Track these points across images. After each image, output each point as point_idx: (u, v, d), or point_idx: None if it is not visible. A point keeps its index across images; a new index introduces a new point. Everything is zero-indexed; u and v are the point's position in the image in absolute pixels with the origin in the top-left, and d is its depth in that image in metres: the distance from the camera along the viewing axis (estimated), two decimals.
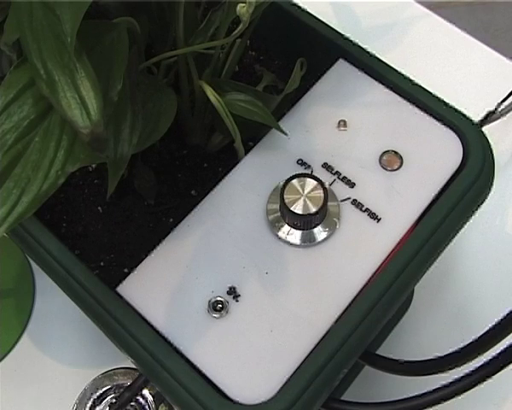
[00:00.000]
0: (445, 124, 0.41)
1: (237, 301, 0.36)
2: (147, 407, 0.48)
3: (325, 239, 0.38)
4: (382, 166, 0.40)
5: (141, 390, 0.43)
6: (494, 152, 0.40)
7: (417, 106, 0.42)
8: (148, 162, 0.44)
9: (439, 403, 0.36)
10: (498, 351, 0.34)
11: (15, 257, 0.56)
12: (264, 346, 0.35)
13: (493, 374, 0.34)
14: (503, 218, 0.58)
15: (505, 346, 0.34)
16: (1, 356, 0.52)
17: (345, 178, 0.40)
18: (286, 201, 0.37)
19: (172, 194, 0.43)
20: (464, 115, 0.41)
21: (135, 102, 0.37)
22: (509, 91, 0.58)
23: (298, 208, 0.37)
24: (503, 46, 0.68)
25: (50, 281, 0.39)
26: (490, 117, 0.57)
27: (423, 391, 0.37)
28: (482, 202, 0.40)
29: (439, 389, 0.36)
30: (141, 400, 0.49)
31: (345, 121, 0.42)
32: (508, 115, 0.58)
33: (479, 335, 0.35)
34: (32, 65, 0.32)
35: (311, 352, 0.35)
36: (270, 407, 0.34)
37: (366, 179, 0.40)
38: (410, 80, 0.43)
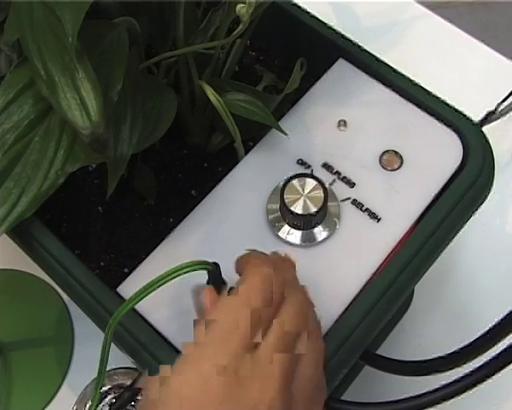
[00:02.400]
0: (445, 124, 0.41)
1: None
2: None
3: (325, 239, 0.38)
4: (382, 166, 0.40)
5: (141, 390, 0.42)
6: (494, 152, 0.40)
7: (417, 106, 0.42)
8: (148, 162, 0.44)
9: (439, 403, 0.36)
10: (498, 351, 0.34)
11: (54, 304, 0.55)
12: None
13: (493, 374, 0.34)
14: (503, 218, 0.58)
15: (505, 346, 0.34)
16: (42, 406, 0.51)
17: (345, 177, 0.40)
18: (286, 201, 0.37)
19: (172, 194, 0.43)
20: (464, 115, 0.41)
21: (135, 102, 0.37)
22: (509, 91, 0.58)
23: (298, 208, 0.37)
24: (503, 46, 0.68)
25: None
26: (490, 117, 0.57)
27: (423, 391, 0.37)
28: (482, 202, 0.40)
29: (439, 389, 0.36)
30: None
31: (345, 121, 0.42)
32: (508, 115, 0.58)
33: (479, 335, 0.35)
34: (32, 65, 0.32)
35: None
36: None
37: (366, 179, 0.40)
38: (410, 80, 0.43)
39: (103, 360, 0.34)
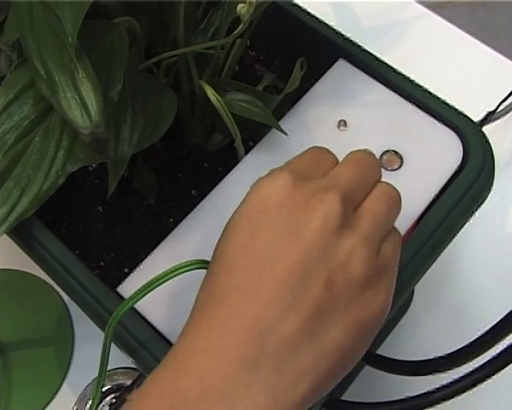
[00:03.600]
0: (445, 124, 0.41)
1: None
2: None
3: None
4: (382, 166, 0.40)
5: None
6: (494, 152, 0.40)
7: (417, 106, 0.42)
8: (148, 162, 0.44)
9: (438, 403, 0.36)
10: (498, 351, 0.34)
11: (55, 304, 0.55)
12: None
13: (493, 374, 0.34)
14: (503, 218, 0.58)
15: (505, 346, 0.34)
16: (42, 406, 0.51)
17: None
18: None
19: (172, 194, 0.43)
20: (464, 115, 0.41)
21: (135, 102, 0.37)
22: (509, 91, 0.58)
23: None
24: (503, 46, 0.68)
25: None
26: (490, 117, 0.57)
27: (423, 391, 0.37)
28: (482, 202, 0.40)
29: (439, 389, 0.36)
30: None
31: (345, 121, 0.42)
32: (508, 115, 0.59)
33: (479, 335, 0.35)
34: (32, 65, 0.32)
35: None
36: None
37: None
38: (410, 80, 0.43)
39: (104, 360, 0.34)
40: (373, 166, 0.32)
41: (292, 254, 0.28)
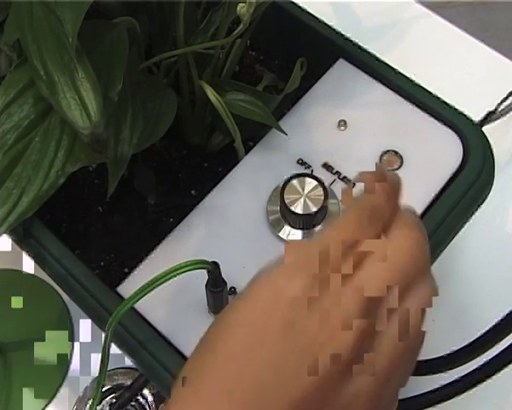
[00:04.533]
0: (445, 124, 0.41)
1: None
2: (147, 406, 0.48)
3: None
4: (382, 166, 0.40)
5: (141, 390, 0.43)
6: (494, 152, 0.40)
7: (417, 106, 0.42)
8: (148, 162, 0.44)
9: (438, 403, 0.37)
10: (498, 351, 0.34)
11: (54, 304, 0.55)
12: None
13: (493, 374, 0.35)
14: (503, 218, 0.58)
15: (505, 346, 0.34)
16: (42, 406, 0.51)
17: (345, 177, 0.40)
18: (286, 201, 0.37)
19: (172, 194, 0.43)
20: (464, 115, 0.41)
21: (135, 102, 0.37)
22: (508, 91, 0.58)
23: (298, 208, 0.37)
24: (503, 46, 0.68)
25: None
26: (490, 117, 0.57)
27: (423, 391, 0.37)
28: (482, 202, 0.40)
29: (438, 389, 0.36)
30: (141, 400, 0.49)
31: (345, 121, 0.42)
32: (508, 115, 0.58)
33: (479, 335, 0.35)
34: (31, 65, 0.32)
35: None
36: None
37: None
38: (410, 80, 0.43)
39: (104, 360, 0.34)
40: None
41: (293, 392, 0.24)
